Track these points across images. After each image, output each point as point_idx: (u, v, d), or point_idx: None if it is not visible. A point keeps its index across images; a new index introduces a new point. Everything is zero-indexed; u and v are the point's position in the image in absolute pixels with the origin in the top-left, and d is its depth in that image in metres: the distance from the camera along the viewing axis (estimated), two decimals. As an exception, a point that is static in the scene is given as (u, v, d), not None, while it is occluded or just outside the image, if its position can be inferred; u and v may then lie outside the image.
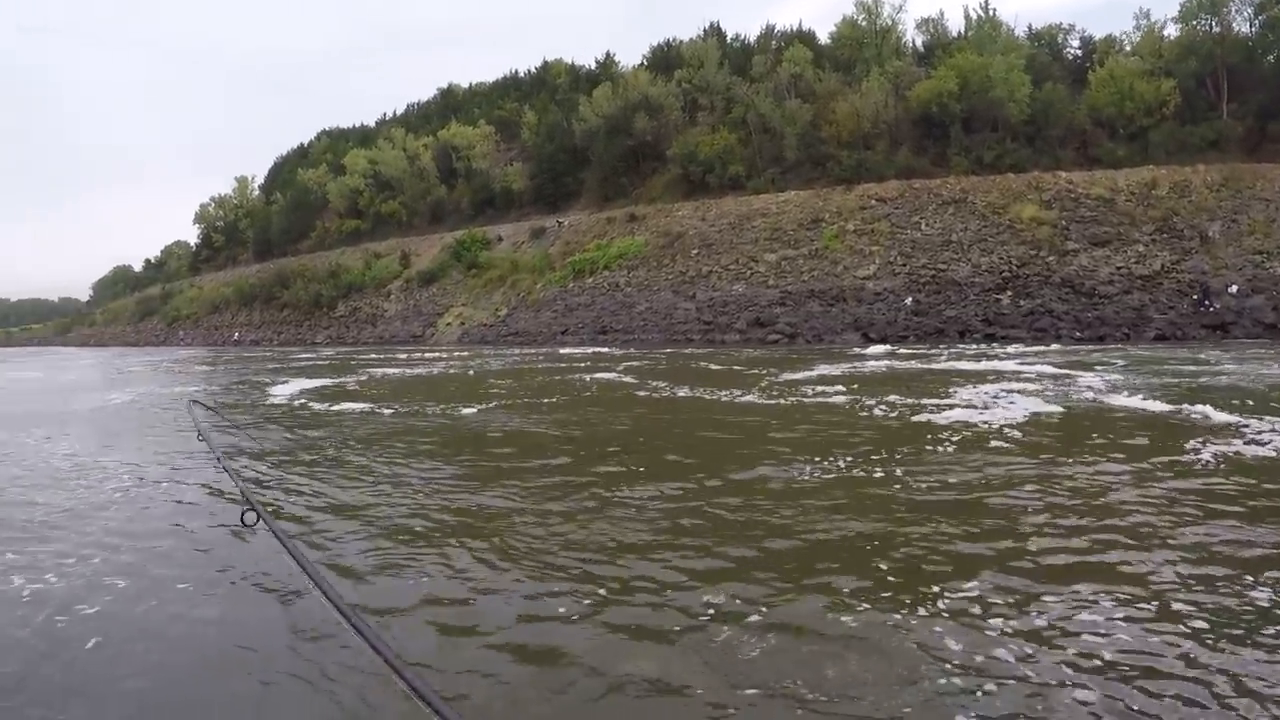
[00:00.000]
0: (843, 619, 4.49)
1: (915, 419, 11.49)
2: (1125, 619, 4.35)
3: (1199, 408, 11.24)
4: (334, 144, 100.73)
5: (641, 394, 16.59)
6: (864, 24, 58.28)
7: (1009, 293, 35.85)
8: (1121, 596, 4.64)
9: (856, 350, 27.63)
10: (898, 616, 4.50)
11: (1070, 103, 47.15)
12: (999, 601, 4.65)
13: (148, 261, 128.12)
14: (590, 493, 7.75)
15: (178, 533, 6.74)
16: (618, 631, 4.55)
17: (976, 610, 4.54)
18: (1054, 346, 26.50)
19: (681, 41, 69.94)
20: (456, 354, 37.66)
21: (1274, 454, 8.32)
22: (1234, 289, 32.49)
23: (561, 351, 35.05)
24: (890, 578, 5.12)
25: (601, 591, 5.14)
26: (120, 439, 12.41)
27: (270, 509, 7.58)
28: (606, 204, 59.04)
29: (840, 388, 15.69)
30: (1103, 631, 4.20)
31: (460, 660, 4.27)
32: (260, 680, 4.07)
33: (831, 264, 41.45)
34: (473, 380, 22.22)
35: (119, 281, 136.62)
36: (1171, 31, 50.93)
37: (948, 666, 3.87)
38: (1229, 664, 3.78)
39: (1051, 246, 37.59)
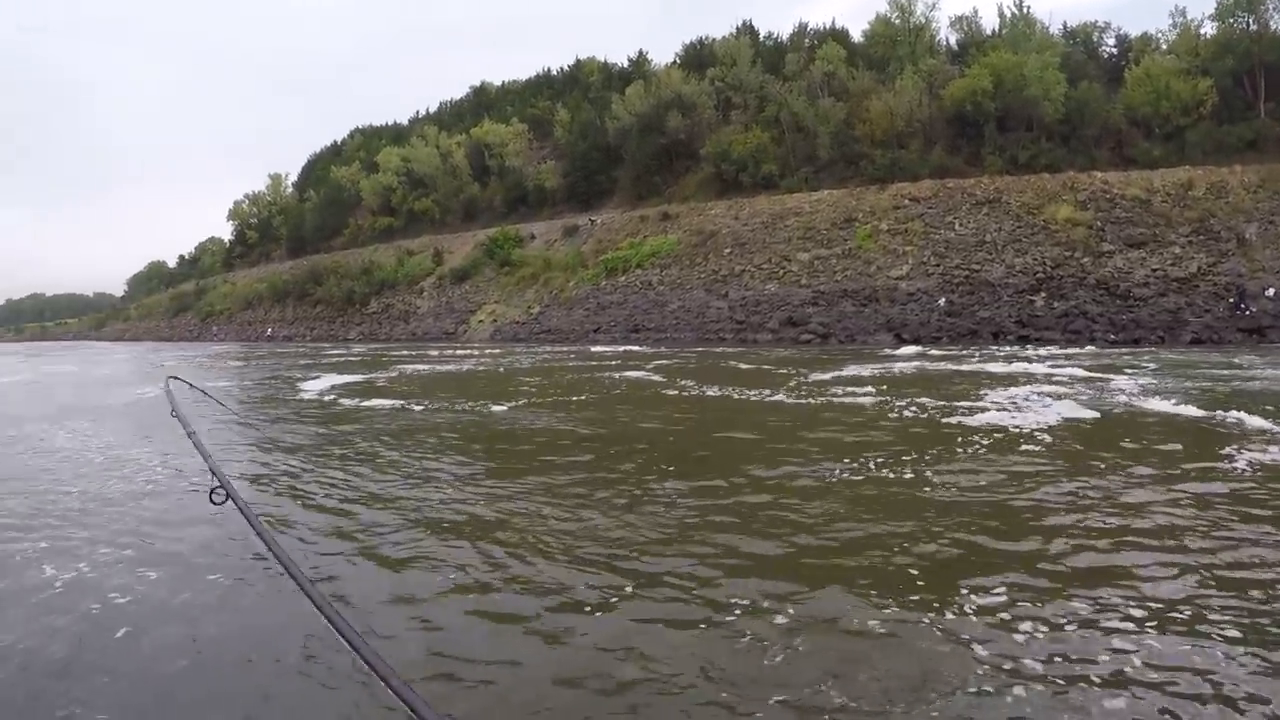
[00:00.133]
0: (870, 623, 4.49)
1: (945, 421, 11.43)
2: (1155, 626, 4.32)
3: (1233, 414, 11.05)
4: (367, 141, 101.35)
5: (670, 393, 16.63)
6: (897, 22, 57.84)
7: (1043, 294, 35.51)
8: (1152, 605, 4.60)
9: (887, 351, 27.47)
10: (925, 621, 4.49)
11: (1105, 102, 46.37)
12: (1028, 605, 4.63)
13: (182, 258, 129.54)
14: (617, 489, 7.81)
15: (213, 521, 6.82)
16: (644, 625, 4.59)
17: (1005, 615, 4.52)
18: (1088, 349, 26.21)
19: (714, 40, 69.79)
20: (488, 351, 37.87)
21: (1312, 461, 8.18)
22: (1271, 292, 31.99)
23: (593, 350, 35.12)
24: (919, 580, 5.12)
25: (628, 586, 5.19)
26: (155, 431, 12.55)
27: (302, 500, 7.72)
28: (639, 202, 58.94)
29: (870, 389, 15.64)
30: (1132, 640, 4.16)
31: (484, 649, 4.34)
32: (279, 674, 4.14)
33: (865, 264, 41.22)
34: (503, 377, 22.34)
35: (153, 277, 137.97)
36: (1208, 30, 49.93)
37: (977, 672, 3.87)
38: (1259, 674, 3.75)
39: (1086, 248, 37.21)
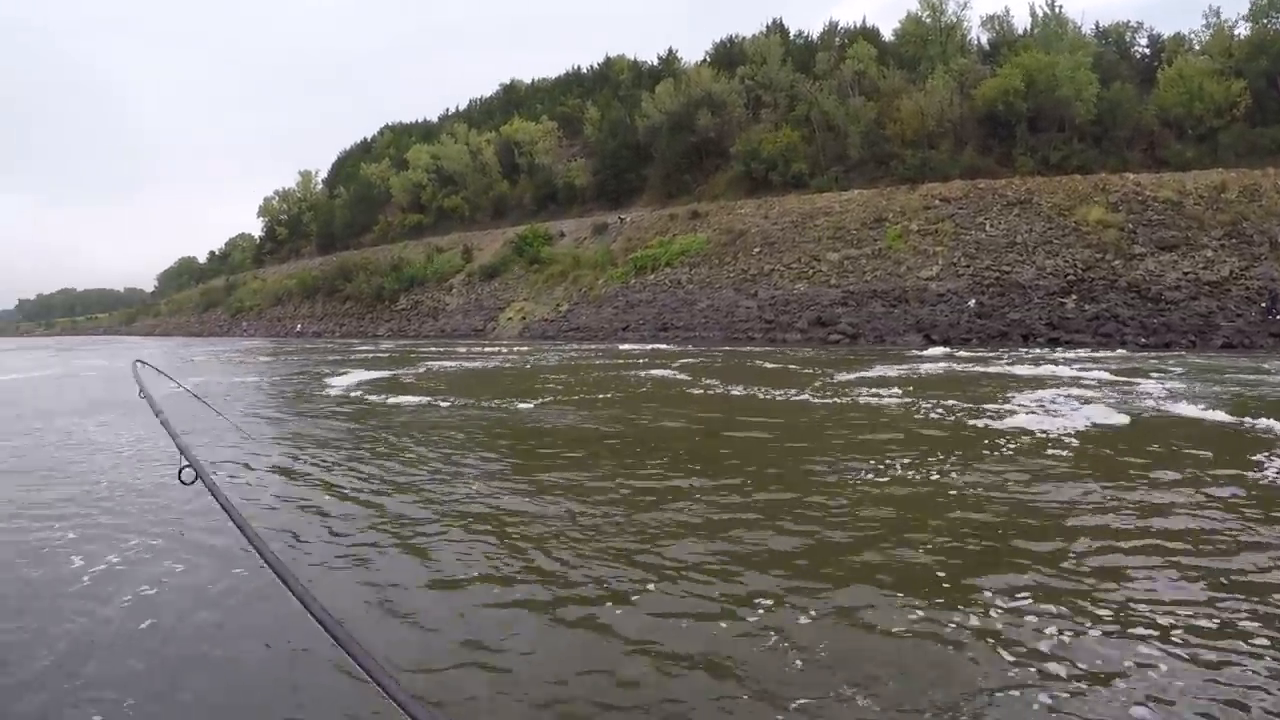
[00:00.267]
0: (894, 627, 4.51)
1: (972, 423, 11.40)
2: (1183, 633, 4.32)
3: (1263, 420, 10.93)
4: (397, 139, 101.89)
5: (695, 391, 16.68)
6: (928, 21, 57.51)
7: (1074, 296, 35.23)
8: (1181, 612, 4.59)
9: (914, 352, 27.36)
10: (949, 625, 4.51)
11: (1138, 103, 45.79)
12: (1052, 611, 4.63)
13: (212, 254, 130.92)
14: (640, 485, 7.89)
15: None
16: (668, 618, 4.66)
17: (1031, 619, 4.53)
18: (1119, 352, 25.98)
19: (744, 38, 69.48)
20: (516, 348, 37.99)
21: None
22: (1302, 296, 31.75)
23: (620, 348, 35.16)
24: (945, 584, 5.13)
25: (650, 582, 5.26)
26: (190, 425, 12.74)
27: (334, 492, 7.85)
28: (669, 200, 58.86)
29: (895, 390, 15.58)
30: (1159, 647, 4.17)
31: (506, 639, 4.42)
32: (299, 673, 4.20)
33: (894, 264, 40.99)
34: (530, 374, 22.47)
35: (183, 273, 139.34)
36: (1242, 30, 49.17)
37: (1004, 676, 3.88)
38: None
39: (1118, 250, 36.86)
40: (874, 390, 15.61)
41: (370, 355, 35.08)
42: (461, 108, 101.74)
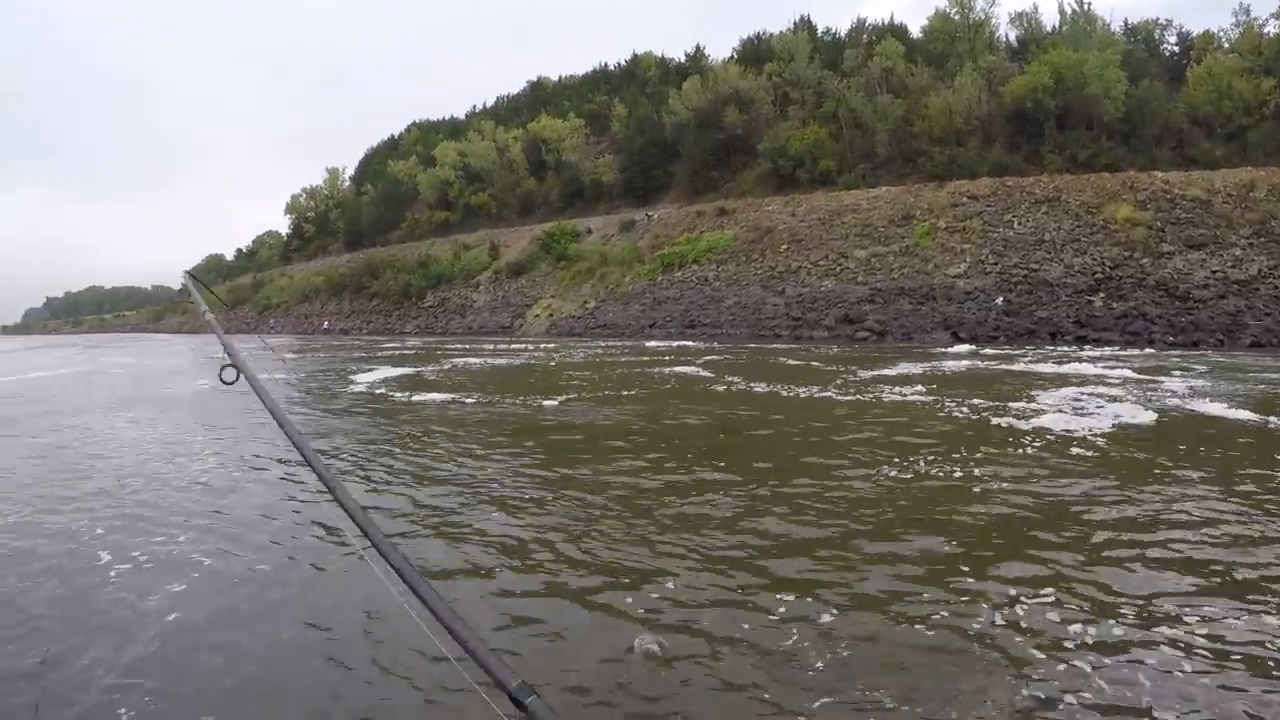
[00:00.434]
0: (917, 627, 4.54)
1: (996, 421, 11.38)
2: (1206, 630, 4.35)
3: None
4: (424, 136, 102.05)
5: (718, 389, 16.72)
6: (956, 18, 57.11)
7: (1101, 294, 35.01)
8: (1206, 612, 4.61)
9: (939, 350, 27.28)
10: (977, 625, 4.55)
11: (1167, 101, 45.34)
12: (1076, 609, 4.67)
13: (239, 251, 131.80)
14: (664, 479, 7.97)
15: (263, 516, 7.11)
16: (688, 609, 4.72)
17: (1055, 617, 4.56)
18: (1147, 350, 25.76)
19: (772, 35, 69.11)
20: (542, 345, 38.14)
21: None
22: (1331, 296, 31.46)
23: (646, 345, 35.20)
24: (970, 580, 5.17)
25: (676, 567, 5.37)
26: (218, 421, 12.96)
27: (365, 483, 8.01)
28: (696, 197, 58.77)
29: (919, 387, 15.58)
30: (1182, 644, 4.19)
31: (531, 623, 4.54)
32: (336, 663, 4.32)
33: (922, 261, 40.82)
34: (555, 371, 22.60)
35: (211, 270, 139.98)
36: (1272, 28, 48.39)
37: (1026, 675, 3.91)
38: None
39: (1146, 248, 36.58)
40: (897, 388, 15.60)
41: (397, 352, 35.34)
42: (488, 105, 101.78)
